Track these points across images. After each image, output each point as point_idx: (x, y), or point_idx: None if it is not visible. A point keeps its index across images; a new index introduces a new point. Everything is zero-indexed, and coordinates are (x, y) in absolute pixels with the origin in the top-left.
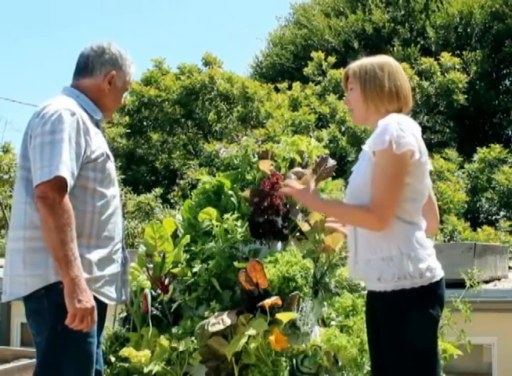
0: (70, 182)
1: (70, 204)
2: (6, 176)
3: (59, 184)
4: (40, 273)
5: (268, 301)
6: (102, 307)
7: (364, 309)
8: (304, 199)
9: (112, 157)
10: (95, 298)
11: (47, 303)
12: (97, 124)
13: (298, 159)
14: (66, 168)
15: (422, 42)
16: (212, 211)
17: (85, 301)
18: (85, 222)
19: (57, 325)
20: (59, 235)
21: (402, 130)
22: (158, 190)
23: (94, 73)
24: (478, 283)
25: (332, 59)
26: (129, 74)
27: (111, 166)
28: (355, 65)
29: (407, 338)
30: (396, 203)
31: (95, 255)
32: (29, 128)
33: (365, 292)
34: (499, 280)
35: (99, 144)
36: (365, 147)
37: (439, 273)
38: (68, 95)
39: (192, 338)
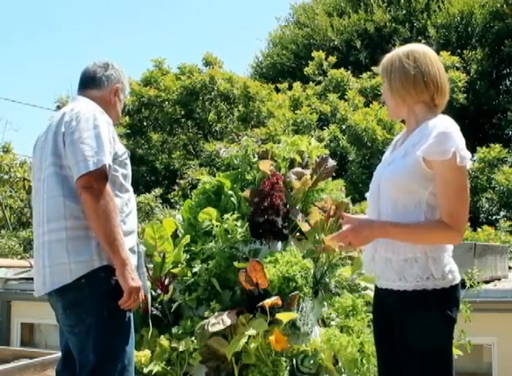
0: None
1: (112, 192)
2: (6, 176)
3: (100, 174)
4: (84, 260)
5: (268, 301)
6: None
7: (364, 308)
8: (371, 233)
9: None
10: None
11: (88, 292)
12: None
13: (298, 159)
14: (110, 158)
15: (423, 41)
16: (212, 211)
17: (137, 280)
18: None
19: (103, 311)
20: (109, 221)
21: (462, 140)
22: (158, 190)
23: (102, 85)
24: (478, 283)
25: (333, 59)
26: (128, 89)
27: (129, 165)
28: (384, 58)
29: (427, 338)
30: (467, 215)
31: (126, 245)
32: (60, 127)
33: (366, 292)
34: (499, 280)
35: (121, 144)
36: (418, 152)
37: (458, 276)
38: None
39: (192, 338)
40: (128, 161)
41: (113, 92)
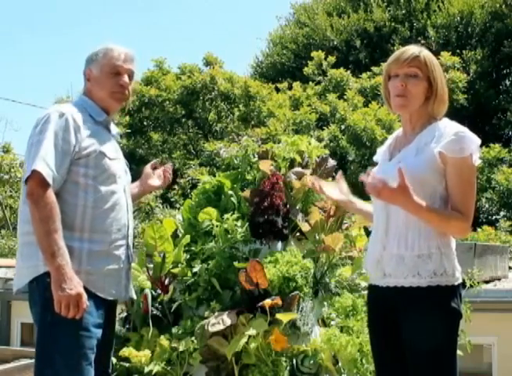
0: (54, 175)
1: (52, 197)
2: (7, 176)
3: (36, 180)
4: (32, 264)
5: (268, 301)
6: (100, 301)
7: (364, 308)
8: (401, 199)
9: (113, 155)
10: (88, 291)
11: (38, 295)
12: (107, 127)
13: (298, 159)
14: (43, 163)
15: (422, 42)
16: (212, 211)
17: (68, 289)
18: (76, 215)
19: (46, 316)
20: (42, 226)
21: (478, 140)
22: (158, 190)
23: (84, 81)
24: (478, 283)
25: (332, 59)
26: (101, 62)
27: (109, 163)
28: (428, 54)
29: (442, 334)
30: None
31: (87, 248)
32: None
33: (366, 292)
34: (499, 280)
35: (92, 142)
36: (437, 148)
37: (460, 276)
38: (73, 102)
39: (193, 338)
40: (105, 161)
41: (86, 79)
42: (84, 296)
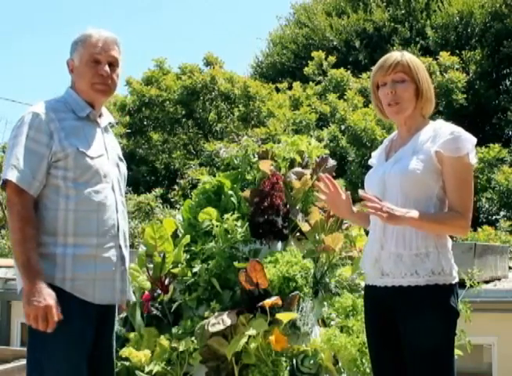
0: (29, 180)
1: (27, 205)
2: None
3: (14, 187)
4: (17, 272)
5: (268, 301)
6: (90, 307)
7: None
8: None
9: (96, 153)
10: (75, 297)
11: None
12: (95, 121)
13: (298, 159)
14: (15, 170)
15: (422, 42)
16: (212, 211)
17: (36, 302)
18: (58, 220)
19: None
20: (13, 235)
21: (474, 140)
22: (158, 190)
23: (69, 72)
24: (478, 283)
25: (332, 59)
26: (81, 51)
27: (91, 162)
28: (410, 56)
29: (441, 332)
30: None
31: (71, 254)
32: None
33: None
34: (499, 280)
35: (70, 142)
36: (434, 147)
37: (457, 274)
38: (58, 97)
39: (192, 338)
40: (86, 160)
41: (70, 70)
42: (55, 308)
